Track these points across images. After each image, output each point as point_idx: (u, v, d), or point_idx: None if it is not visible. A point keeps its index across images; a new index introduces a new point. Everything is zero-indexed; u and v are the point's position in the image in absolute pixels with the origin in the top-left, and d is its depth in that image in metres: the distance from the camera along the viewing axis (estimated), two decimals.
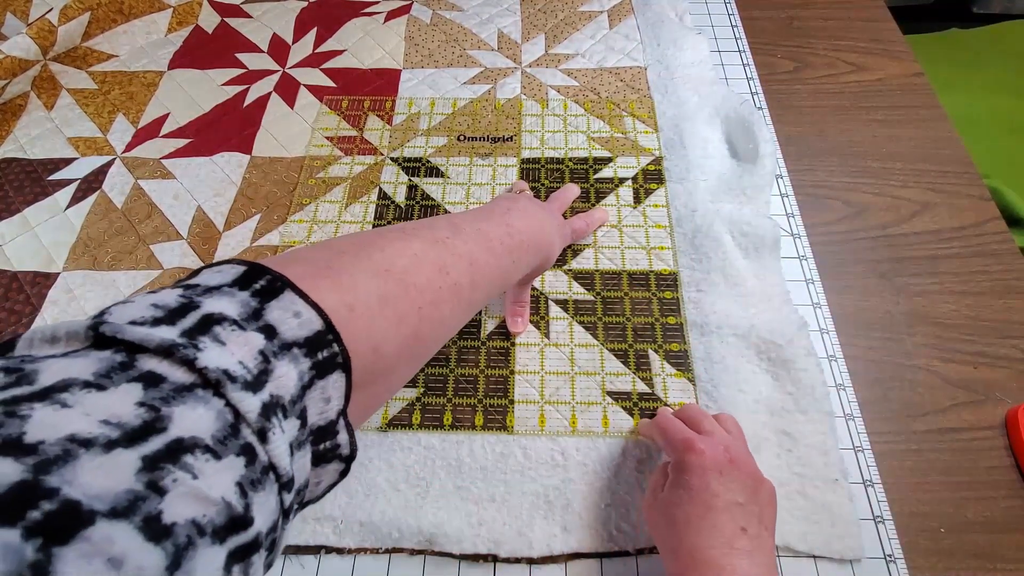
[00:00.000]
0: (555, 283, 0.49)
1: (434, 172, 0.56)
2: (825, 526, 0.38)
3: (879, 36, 0.67)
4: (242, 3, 0.73)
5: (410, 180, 0.56)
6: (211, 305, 0.19)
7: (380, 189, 0.55)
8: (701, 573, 0.29)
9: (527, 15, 0.69)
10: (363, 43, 0.68)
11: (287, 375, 0.18)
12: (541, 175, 0.56)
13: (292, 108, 0.62)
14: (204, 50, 0.68)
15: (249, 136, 0.59)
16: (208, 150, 0.58)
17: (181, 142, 0.59)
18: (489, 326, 0.47)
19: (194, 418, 0.15)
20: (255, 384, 0.17)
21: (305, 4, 0.72)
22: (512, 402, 0.44)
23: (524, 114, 0.60)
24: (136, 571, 0.13)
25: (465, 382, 0.45)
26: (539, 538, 0.39)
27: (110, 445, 0.14)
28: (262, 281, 0.20)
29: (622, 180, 0.55)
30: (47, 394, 0.14)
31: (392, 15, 0.70)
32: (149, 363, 0.16)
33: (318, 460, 0.20)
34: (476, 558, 0.39)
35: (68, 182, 0.56)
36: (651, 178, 0.55)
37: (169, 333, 0.17)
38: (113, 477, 0.14)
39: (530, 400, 0.44)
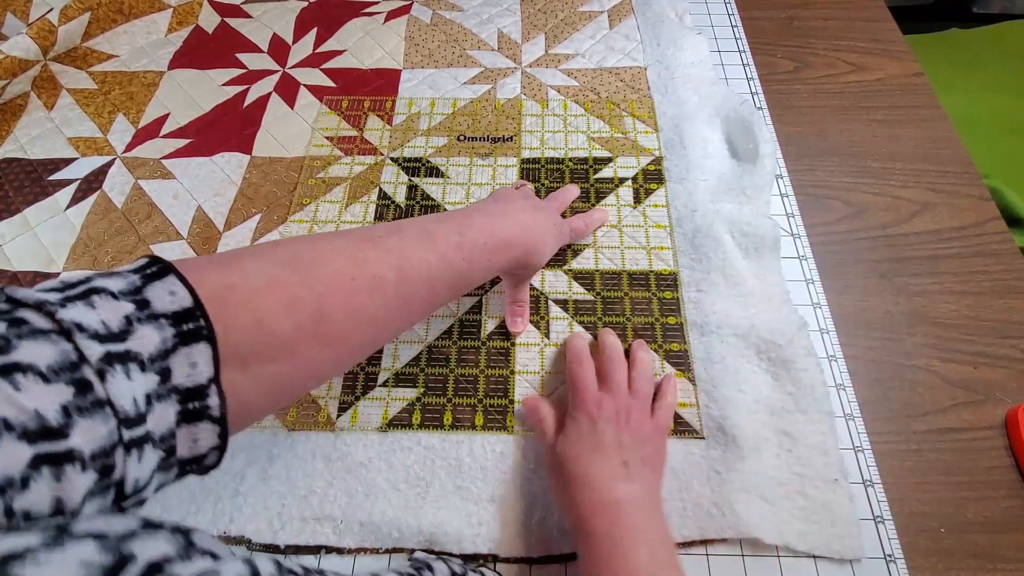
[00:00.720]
0: (555, 283, 0.49)
1: (434, 172, 0.56)
2: (825, 526, 0.38)
3: (879, 36, 0.67)
4: (242, 3, 0.73)
5: (410, 180, 0.56)
6: (101, 282, 0.23)
7: (380, 189, 0.55)
8: (587, 494, 0.35)
9: (527, 15, 0.69)
10: (363, 43, 0.68)
11: (148, 337, 0.22)
12: (541, 175, 0.56)
13: (292, 108, 0.62)
14: (204, 50, 0.68)
15: (249, 136, 0.60)
16: (208, 150, 0.58)
17: (181, 142, 0.59)
18: (489, 326, 0.47)
19: (36, 350, 0.19)
20: (108, 338, 0.21)
21: (305, 4, 0.72)
22: (512, 402, 0.44)
23: (524, 114, 0.60)
24: None
25: (465, 382, 0.45)
26: (539, 538, 0.39)
27: None
28: (154, 268, 0.24)
29: (622, 180, 0.55)
30: None
31: (392, 15, 0.70)
32: (23, 312, 0.20)
33: (189, 417, 0.23)
34: (476, 558, 0.39)
35: (68, 182, 0.56)
36: (651, 178, 0.55)
37: (51, 296, 0.21)
38: None
39: None
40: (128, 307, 0.22)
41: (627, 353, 0.45)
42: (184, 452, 0.24)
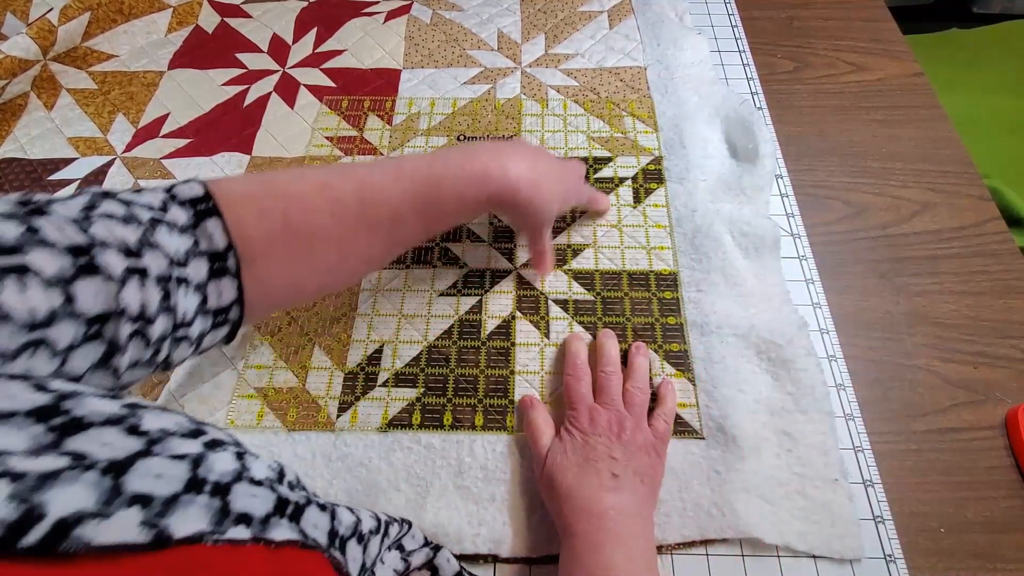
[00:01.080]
0: (555, 283, 0.49)
1: None
2: (825, 526, 0.38)
3: (879, 36, 0.67)
4: (242, 3, 0.73)
5: None
6: (145, 189, 0.31)
7: None
8: (574, 502, 0.35)
9: (527, 15, 0.69)
10: (363, 43, 0.68)
11: (179, 214, 0.30)
12: None
13: (292, 108, 0.62)
14: (204, 50, 0.68)
15: (249, 136, 0.59)
16: (208, 150, 0.58)
17: (181, 142, 0.59)
18: (489, 326, 0.47)
19: (111, 208, 0.27)
20: (155, 209, 0.29)
21: (305, 4, 0.72)
22: (512, 402, 0.44)
23: (524, 114, 0.60)
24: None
25: (465, 382, 0.45)
26: (539, 538, 0.39)
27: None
28: (180, 180, 0.32)
29: (622, 180, 0.55)
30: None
31: (392, 15, 0.70)
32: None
33: (216, 274, 0.30)
34: (476, 558, 0.39)
35: (68, 182, 0.56)
36: (651, 178, 0.55)
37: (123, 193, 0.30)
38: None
39: None
40: (163, 195, 0.30)
41: (625, 355, 0.45)
42: (213, 303, 0.31)
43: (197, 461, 0.20)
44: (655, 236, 0.52)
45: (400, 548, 0.31)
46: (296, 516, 0.22)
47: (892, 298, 0.49)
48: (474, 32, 0.68)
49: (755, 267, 0.49)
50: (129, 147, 0.59)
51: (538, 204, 0.41)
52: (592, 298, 0.48)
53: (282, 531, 0.21)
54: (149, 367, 0.29)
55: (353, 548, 0.25)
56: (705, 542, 0.39)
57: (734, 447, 0.41)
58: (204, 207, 0.31)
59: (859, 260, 0.51)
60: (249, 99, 0.63)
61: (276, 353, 0.47)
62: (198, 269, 0.30)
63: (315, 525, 0.23)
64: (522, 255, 0.51)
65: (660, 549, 0.39)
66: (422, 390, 0.45)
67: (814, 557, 0.38)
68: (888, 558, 0.38)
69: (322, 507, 0.24)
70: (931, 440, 0.43)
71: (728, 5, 0.70)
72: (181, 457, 0.20)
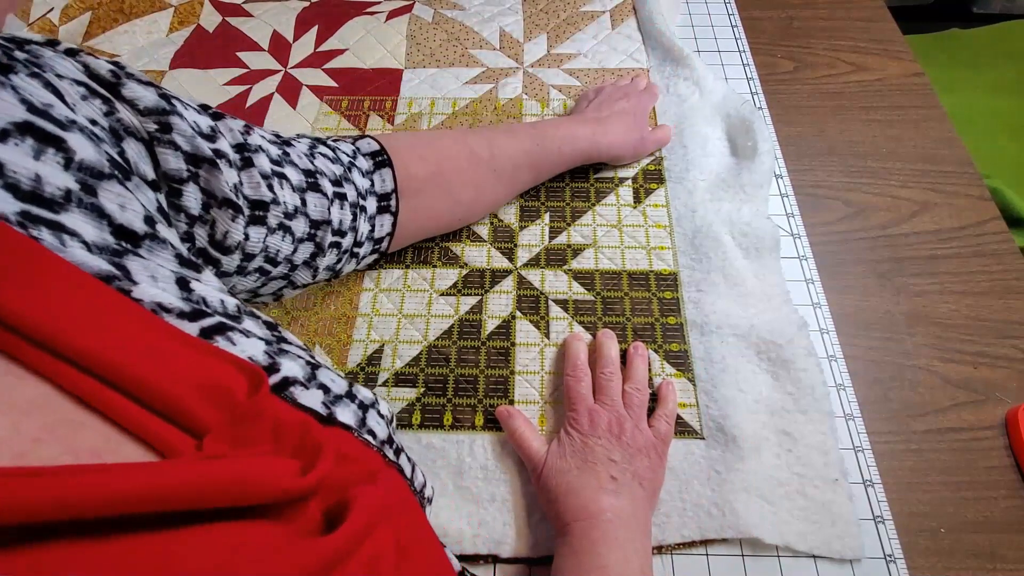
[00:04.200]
0: (555, 283, 0.49)
1: None
2: (825, 526, 0.38)
3: (879, 36, 0.67)
4: (243, 2, 0.73)
5: None
6: (342, 141, 0.42)
7: None
8: (571, 502, 0.36)
9: (529, 15, 0.69)
10: (364, 42, 0.68)
11: (363, 162, 0.41)
12: None
13: (295, 108, 0.62)
14: (205, 50, 0.68)
15: None
16: None
17: None
18: (489, 326, 0.47)
19: (324, 165, 0.38)
20: (353, 155, 0.41)
21: (307, 3, 0.72)
22: (512, 402, 0.44)
23: (524, 114, 0.61)
24: None
25: (465, 382, 0.45)
26: (539, 538, 0.39)
27: None
28: (360, 136, 0.44)
29: (622, 180, 0.55)
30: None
31: (394, 14, 0.70)
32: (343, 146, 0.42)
33: (381, 211, 0.42)
34: (476, 558, 0.39)
35: None
36: (651, 178, 0.55)
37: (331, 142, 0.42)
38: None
39: (530, 400, 0.44)
40: (352, 146, 0.42)
41: (624, 356, 0.45)
42: (378, 232, 0.42)
43: (351, 384, 0.28)
44: (655, 236, 0.52)
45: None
46: (398, 452, 0.29)
47: (892, 298, 0.49)
48: (476, 31, 0.68)
49: (755, 267, 0.49)
50: None
51: (619, 160, 0.55)
52: (592, 298, 0.49)
53: (391, 454, 0.28)
54: (329, 272, 0.40)
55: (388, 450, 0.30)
56: (705, 542, 0.39)
57: (734, 447, 0.41)
58: (381, 159, 0.41)
59: (859, 260, 0.51)
60: (252, 100, 0.63)
61: None
62: (371, 204, 0.41)
63: (407, 462, 0.30)
64: (522, 255, 0.51)
65: (660, 549, 0.39)
66: (422, 390, 0.45)
67: (814, 557, 0.38)
68: (888, 558, 0.38)
69: (409, 458, 0.31)
70: (931, 440, 0.43)
71: (728, 5, 0.70)
72: (342, 377, 0.28)
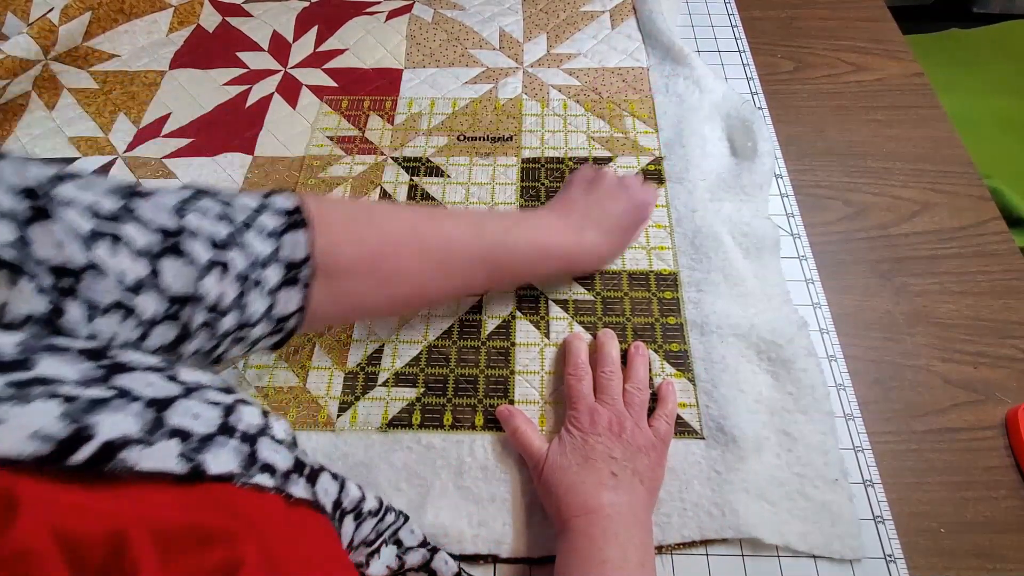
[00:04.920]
0: (555, 283, 0.49)
1: (434, 172, 0.56)
2: (825, 526, 0.38)
3: (879, 36, 0.67)
4: (243, 2, 0.73)
5: (411, 180, 0.56)
6: (245, 194, 0.33)
7: (381, 188, 0.55)
8: (572, 499, 0.36)
9: (529, 14, 0.69)
10: (364, 42, 0.68)
11: (269, 220, 0.31)
12: (541, 175, 0.56)
13: (294, 108, 0.62)
14: (205, 50, 0.68)
15: (252, 137, 0.60)
16: (210, 150, 0.59)
17: (183, 142, 0.59)
18: (489, 326, 0.47)
19: (206, 207, 0.29)
20: (257, 211, 0.31)
21: (306, 3, 0.72)
22: (512, 402, 0.44)
23: (524, 114, 0.61)
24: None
25: (465, 382, 0.45)
26: (539, 538, 0.39)
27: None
28: (279, 189, 0.34)
29: None
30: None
31: (393, 14, 0.70)
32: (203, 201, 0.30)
33: (287, 283, 0.32)
34: (476, 558, 0.39)
35: None
36: (651, 178, 0.55)
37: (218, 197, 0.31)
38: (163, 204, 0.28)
39: (530, 400, 0.44)
40: (260, 200, 0.32)
41: (625, 355, 0.45)
42: (279, 310, 0.32)
43: (229, 410, 0.22)
44: (655, 236, 0.52)
45: (398, 543, 0.31)
46: (312, 479, 0.24)
47: (892, 298, 0.49)
48: (476, 31, 0.68)
49: (755, 267, 0.49)
50: (130, 147, 0.59)
51: (589, 270, 0.49)
52: (592, 298, 0.49)
53: (299, 489, 0.22)
54: (205, 359, 0.30)
55: (348, 523, 0.26)
56: (705, 542, 0.39)
57: (734, 447, 0.41)
58: (296, 219, 0.32)
59: (859, 260, 0.51)
60: (251, 100, 0.63)
61: (276, 352, 0.47)
62: (274, 274, 0.31)
63: (326, 491, 0.24)
64: None
65: (660, 549, 0.39)
66: (422, 390, 0.45)
67: (814, 557, 0.38)
68: (888, 558, 0.38)
69: (334, 476, 0.26)
70: (931, 440, 0.43)
71: (728, 5, 0.70)
72: (215, 404, 0.22)
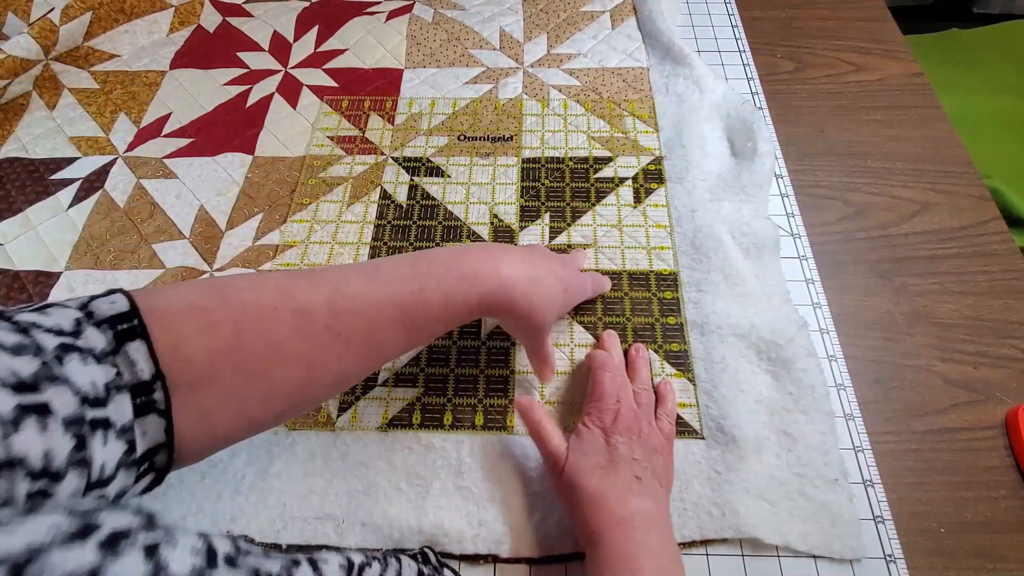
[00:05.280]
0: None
1: (435, 172, 0.56)
2: (825, 526, 0.38)
3: (879, 36, 0.67)
4: (244, 2, 0.73)
5: (411, 180, 0.56)
6: (56, 302, 0.26)
7: (382, 188, 0.55)
8: (599, 506, 0.34)
9: (529, 14, 0.70)
10: (365, 42, 0.68)
11: (96, 337, 0.24)
12: (541, 175, 0.56)
13: (295, 108, 0.62)
14: (206, 49, 0.68)
15: (252, 136, 0.60)
16: (211, 150, 0.59)
17: (183, 141, 0.59)
18: (489, 325, 0.47)
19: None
20: (62, 334, 0.24)
21: (307, 3, 0.72)
22: (512, 402, 0.44)
23: (525, 114, 0.61)
24: None
25: (465, 382, 0.45)
26: (539, 538, 0.39)
27: None
28: (102, 292, 0.27)
29: (622, 180, 0.55)
30: None
31: (394, 14, 0.70)
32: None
33: (139, 411, 0.25)
34: (476, 558, 0.39)
35: (70, 181, 0.56)
36: (651, 178, 0.55)
37: (8, 309, 0.24)
38: None
39: None
40: (77, 313, 0.25)
41: (626, 357, 0.45)
42: (140, 449, 0.25)
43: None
44: (655, 236, 0.52)
45: None
46: None
47: (892, 298, 0.49)
48: (476, 31, 0.68)
49: (755, 267, 0.49)
50: (131, 147, 0.59)
51: (537, 306, 0.37)
52: (592, 298, 0.49)
53: None
54: None
55: None
56: (705, 542, 0.39)
57: (734, 447, 0.41)
58: (126, 326, 0.25)
59: (859, 260, 0.51)
60: (252, 100, 0.63)
61: None
62: (121, 408, 0.24)
63: None
64: None
65: None
66: (422, 390, 0.45)
67: (814, 557, 0.38)
68: (888, 558, 0.38)
69: (297, 562, 0.22)
70: (931, 440, 0.43)
71: (728, 5, 0.70)
72: None
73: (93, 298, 0.26)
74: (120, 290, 0.27)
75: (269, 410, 0.31)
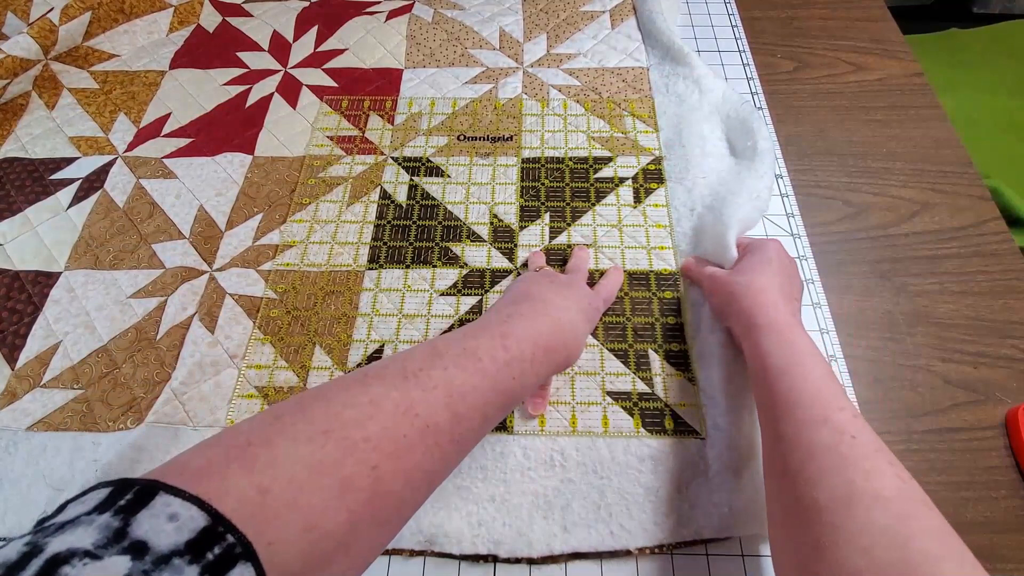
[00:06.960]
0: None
1: (435, 172, 0.56)
2: None
3: (879, 36, 0.67)
4: (243, 2, 0.73)
5: (411, 180, 0.56)
6: (59, 543, 0.17)
7: (381, 188, 0.55)
8: (768, 298, 0.39)
9: (529, 14, 0.70)
10: (364, 42, 0.68)
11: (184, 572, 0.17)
12: (541, 175, 0.56)
13: (294, 108, 0.62)
14: (205, 49, 0.68)
15: (252, 136, 0.60)
16: (210, 150, 0.59)
17: (183, 141, 0.59)
18: None
19: None
20: (153, 569, 0.16)
21: (306, 3, 0.72)
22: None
23: (524, 114, 0.61)
24: None
25: None
26: (539, 538, 0.39)
27: None
28: (129, 495, 0.18)
29: (622, 180, 0.55)
30: None
31: (394, 14, 0.70)
32: None
33: None
34: (476, 558, 0.39)
35: (70, 181, 0.56)
36: (651, 177, 0.55)
37: None
38: None
39: None
40: (122, 564, 0.16)
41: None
42: None
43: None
44: (655, 236, 0.52)
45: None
46: None
47: (892, 298, 0.49)
48: (476, 31, 0.68)
49: None
50: (131, 146, 0.59)
51: (576, 358, 0.39)
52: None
53: None
54: None
55: None
56: (705, 542, 0.39)
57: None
58: (219, 552, 0.18)
59: (859, 260, 0.51)
60: (251, 99, 0.63)
61: (277, 352, 0.47)
62: None
63: None
64: (523, 255, 0.51)
65: (660, 549, 0.39)
66: None
67: None
68: None
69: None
70: (931, 440, 0.43)
71: (728, 5, 0.70)
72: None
73: (130, 515, 0.18)
74: (174, 491, 0.18)
75: (384, 546, 0.26)
